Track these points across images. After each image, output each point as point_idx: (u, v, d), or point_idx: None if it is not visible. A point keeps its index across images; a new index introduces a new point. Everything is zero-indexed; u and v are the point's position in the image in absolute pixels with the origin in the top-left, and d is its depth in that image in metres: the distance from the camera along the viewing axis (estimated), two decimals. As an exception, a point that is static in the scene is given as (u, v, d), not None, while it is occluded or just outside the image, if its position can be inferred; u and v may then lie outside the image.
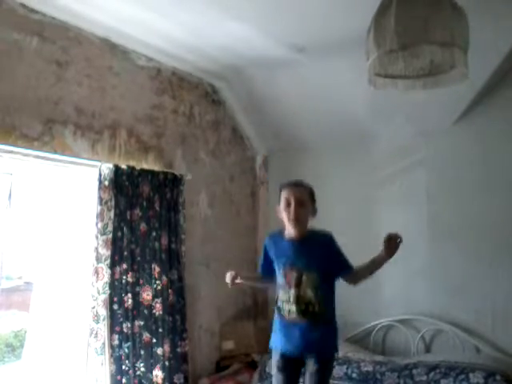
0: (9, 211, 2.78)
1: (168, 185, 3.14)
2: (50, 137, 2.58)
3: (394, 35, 1.85)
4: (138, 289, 2.90)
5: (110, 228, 2.76)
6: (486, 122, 3.30)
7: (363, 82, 2.30)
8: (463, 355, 3.08)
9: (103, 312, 2.71)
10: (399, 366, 2.99)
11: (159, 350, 2.95)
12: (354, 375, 3.03)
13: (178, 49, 3.17)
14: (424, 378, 2.86)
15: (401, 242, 2.22)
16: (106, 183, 2.77)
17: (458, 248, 3.34)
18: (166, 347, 2.98)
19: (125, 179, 2.86)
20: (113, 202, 2.79)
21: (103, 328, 2.71)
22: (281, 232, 2.36)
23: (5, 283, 3.31)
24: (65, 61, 2.69)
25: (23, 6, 2.49)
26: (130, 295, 2.83)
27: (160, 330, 2.96)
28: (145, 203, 2.98)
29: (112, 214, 2.78)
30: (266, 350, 3.35)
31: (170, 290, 3.05)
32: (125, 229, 2.84)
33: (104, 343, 2.71)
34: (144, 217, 2.96)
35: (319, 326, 2.23)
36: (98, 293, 2.70)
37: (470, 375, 2.75)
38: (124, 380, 2.77)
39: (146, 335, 2.90)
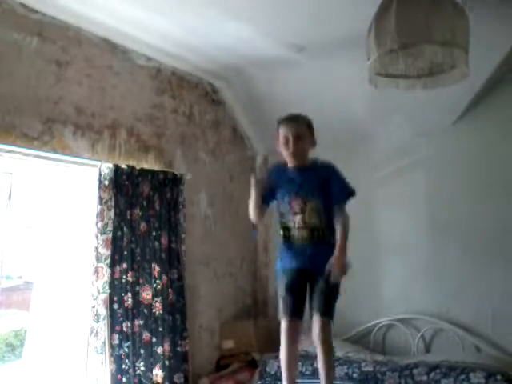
0: (9, 211, 2.78)
1: (168, 184, 3.14)
2: (49, 136, 2.58)
3: (394, 35, 1.86)
4: (138, 288, 2.90)
5: (110, 227, 2.76)
6: (485, 122, 3.30)
7: (363, 82, 2.31)
8: (463, 354, 3.09)
9: (103, 311, 2.71)
10: (400, 366, 2.99)
11: (159, 349, 2.95)
12: (355, 375, 3.03)
13: (178, 48, 3.17)
14: (424, 377, 2.86)
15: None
16: (106, 183, 2.77)
17: (457, 247, 3.35)
18: (166, 346, 2.98)
19: (125, 179, 2.86)
20: (113, 202, 2.79)
21: (103, 327, 2.71)
22: (284, 163, 2.40)
23: (5, 282, 3.30)
24: (65, 61, 2.69)
25: (23, 5, 2.48)
26: (130, 294, 2.83)
27: (160, 330, 2.96)
28: (145, 203, 2.98)
29: (112, 213, 2.78)
30: (266, 349, 3.36)
31: (169, 290, 3.05)
32: (125, 228, 2.84)
33: (104, 342, 2.71)
34: (144, 216, 2.96)
35: (324, 249, 2.27)
36: (98, 292, 2.70)
37: (471, 375, 2.75)
38: (124, 379, 2.77)
39: (146, 334, 2.90)
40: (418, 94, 2.48)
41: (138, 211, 2.93)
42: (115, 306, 2.78)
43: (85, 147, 2.77)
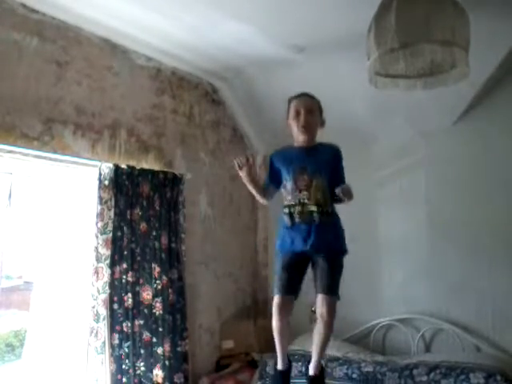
0: (9, 211, 2.77)
1: (168, 184, 3.14)
2: (49, 136, 2.58)
3: (394, 34, 1.86)
4: (138, 288, 2.90)
5: (110, 227, 2.77)
6: (485, 122, 3.30)
7: (363, 82, 2.31)
8: (463, 354, 3.09)
9: (103, 311, 2.71)
10: (400, 366, 2.99)
11: (159, 350, 2.95)
12: (355, 376, 3.03)
13: (178, 49, 3.17)
14: (424, 378, 2.86)
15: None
16: (106, 183, 2.78)
17: (457, 247, 3.35)
18: (166, 346, 2.98)
19: (125, 179, 2.86)
20: (113, 202, 2.79)
21: (103, 327, 2.71)
22: (289, 145, 2.44)
23: (5, 282, 3.30)
24: (65, 61, 2.69)
25: (23, 5, 2.49)
26: (130, 295, 2.84)
27: (160, 330, 2.96)
28: (145, 203, 2.98)
29: (112, 213, 2.78)
30: (266, 349, 3.36)
31: (170, 290, 3.05)
32: (125, 228, 2.85)
33: (104, 342, 2.71)
34: (144, 216, 2.96)
35: (328, 226, 2.29)
36: (98, 292, 2.70)
37: (471, 375, 2.75)
38: (124, 379, 2.77)
39: (146, 334, 2.90)
40: (419, 94, 2.48)
41: (138, 211, 2.93)
42: (115, 306, 2.78)
43: (85, 147, 2.77)
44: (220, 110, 3.89)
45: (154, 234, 3.01)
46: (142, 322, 2.89)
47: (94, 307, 2.68)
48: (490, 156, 3.30)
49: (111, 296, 2.76)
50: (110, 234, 2.76)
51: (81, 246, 2.84)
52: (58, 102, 2.65)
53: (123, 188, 2.85)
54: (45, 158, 2.57)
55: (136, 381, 2.83)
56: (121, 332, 2.78)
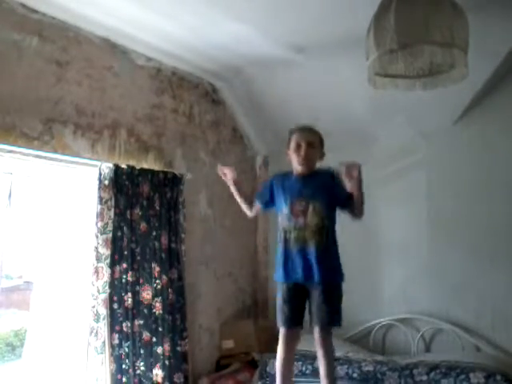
0: (9, 211, 2.78)
1: (168, 184, 3.14)
2: (50, 136, 2.58)
3: (393, 35, 1.86)
4: (137, 288, 2.90)
5: (110, 227, 2.77)
6: (485, 122, 3.30)
7: (363, 82, 2.31)
8: (463, 354, 3.09)
9: (103, 311, 2.71)
10: (400, 366, 2.99)
11: (159, 349, 2.95)
12: (355, 375, 3.03)
13: (178, 49, 3.17)
14: (424, 377, 2.86)
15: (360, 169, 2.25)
16: (106, 182, 2.78)
17: (457, 247, 3.35)
18: (166, 346, 2.98)
19: (125, 179, 2.87)
20: (113, 202, 2.79)
21: (103, 327, 2.71)
22: (289, 172, 2.46)
23: (5, 282, 3.30)
24: (65, 61, 2.69)
25: (23, 5, 2.49)
26: (129, 294, 2.84)
27: (160, 329, 2.97)
28: (145, 202, 2.98)
29: (112, 213, 2.78)
30: (266, 349, 3.36)
31: (169, 290, 3.05)
32: (125, 228, 2.85)
33: (104, 342, 2.71)
34: (144, 216, 2.96)
35: (324, 253, 2.29)
36: (98, 292, 2.70)
37: (471, 375, 2.76)
38: (124, 379, 2.77)
39: (146, 334, 2.90)
40: (419, 94, 2.48)
41: (138, 211, 2.93)
42: (115, 305, 2.78)
43: (85, 147, 2.77)
44: (220, 110, 3.89)
45: (154, 233, 3.01)
46: (141, 321, 2.89)
47: (93, 307, 2.68)
48: (491, 156, 3.30)
49: (111, 296, 2.76)
50: (110, 234, 2.76)
51: (81, 246, 2.84)
52: (58, 102, 2.65)
53: (123, 188, 2.85)
54: (45, 157, 2.57)
55: (136, 380, 2.84)
56: (121, 332, 2.79)
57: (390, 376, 2.95)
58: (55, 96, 2.63)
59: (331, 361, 2.32)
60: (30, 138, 2.49)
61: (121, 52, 3.04)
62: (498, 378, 2.71)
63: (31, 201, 2.99)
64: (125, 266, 2.83)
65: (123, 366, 2.78)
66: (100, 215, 2.73)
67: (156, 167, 3.16)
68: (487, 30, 2.51)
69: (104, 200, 2.75)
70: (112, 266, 2.76)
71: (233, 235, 3.94)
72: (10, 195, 2.74)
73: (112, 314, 2.77)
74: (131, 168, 2.92)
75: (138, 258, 2.92)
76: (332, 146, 3.83)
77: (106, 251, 2.74)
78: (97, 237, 2.72)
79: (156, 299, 2.97)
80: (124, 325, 2.80)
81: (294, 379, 2.46)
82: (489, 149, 3.31)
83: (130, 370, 2.81)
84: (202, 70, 3.53)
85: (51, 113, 2.60)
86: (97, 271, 2.71)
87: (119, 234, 2.82)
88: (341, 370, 3.05)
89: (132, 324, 2.83)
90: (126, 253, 2.84)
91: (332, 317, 2.30)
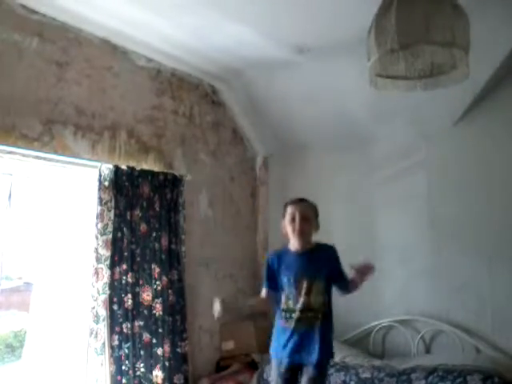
0: (9, 211, 2.77)
1: (168, 185, 3.14)
2: (50, 137, 2.58)
3: (394, 35, 1.85)
4: (137, 289, 2.90)
5: (110, 228, 2.76)
6: (486, 123, 3.29)
7: (364, 83, 2.30)
8: (463, 356, 3.08)
9: (103, 312, 2.71)
10: (397, 371, 2.96)
11: (159, 351, 2.95)
12: (352, 382, 2.99)
13: (178, 50, 3.17)
14: (422, 382, 2.82)
15: (373, 271, 2.32)
16: (106, 184, 2.77)
17: (457, 249, 3.34)
18: (166, 347, 2.98)
19: (125, 180, 2.86)
20: (113, 203, 2.79)
21: (103, 328, 2.71)
22: (285, 248, 2.45)
23: (4, 283, 3.29)
24: (65, 61, 2.69)
25: (23, 6, 2.49)
26: (129, 296, 2.83)
27: (160, 331, 2.96)
28: (145, 204, 2.98)
29: (112, 214, 2.78)
30: (266, 350, 3.35)
31: (169, 291, 3.05)
32: (125, 229, 2.84)
33: (104, 343, 2.71)
34: (144, 217, 2.96)
35: (324, 332, 2.32)
36: (98, 293, 2.70)
37: (468, 378, 2.73)
38: (124, 380, 2.77)
39: (146, 335, 2.90)
40: (419, 95, 2.48)
41: (138, 212, 2.93)
42: (115, 307, 2.78)
43: (85, 148, 2.77)
44: (220, 111, 3.89)
45: (154, 235, 3.01)
46: (141, 322, 2.88)
47: (93, 308, 2.68)
48: (491, 157, 3.29)
49: (111, 297, 2.76)
50: (110, 235, 2.76)
51: (81, 247, 2.84)
52: (58, 103, 2.65)
53: (123, 189, 2.85)
54: (45, 158, 2.57)
55: (136, 382, 2.83)
56: (121, 333, 2.78)
57: (388, 381, 2.91)
58: (55, 97, 2.63)
59: None
60: (29, 138, 2.49)
61: (121, 53, 3.04)
62: (496, 380, 2.68)
63: (31, 202, 2.99)
64: (125, 267, 2.83)
65: (123, 368, 2.78)
66: (100, 216, 2.73)
67: (156, 168, 3.15)
68: (488, 30, 2.51)
69: (104, 201, 2.75)
70: (112, 267, 2.76)
71: (233, 236, 3.94)
72: (10, 196, 2.74)
73: (112, 316, 2.77)
74: (131, 169, 2.91)
75: (138, 259, 2.91)
76: (332, 147, 3.87)
77: (105, 252, 2.74)
78: (97, 238, 2.72)
79: (156, 300, 2.97)
80: (124, 326, 2.80)
81: None
82: (489, 150, 3.30)
83: (130, 372, 2.80)
84: (202, 71, 3.53)
85: (51, 113, 2.60)
86: (97, 272, 2.71)
87: (119, 235, 2.82)
88: (337, 378, 3.01)
89: (132, 325, 2.83)
90: (126, 254, 2.84)
91: None
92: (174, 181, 3.19)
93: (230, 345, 3.59)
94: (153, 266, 2.98)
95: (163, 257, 3.04)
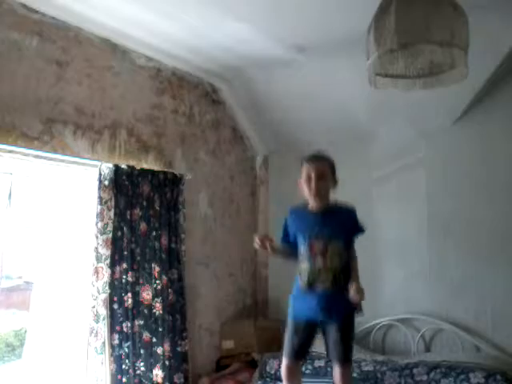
0: (9, 211, 2.78)
1: (168, 184, 3.14)
2: (50, 136, 2.58)
3: (394, 34, 1.85)
4: (137, 288, 2.90)
5: (110, 228, 2.77)
6: (485, 122, 3.30)
7: (363, 82, 2.30)
8: (463, 354, 3.09)
9: (103, 311, 2.71)
10: (400, 366, 2.99)
11: (159, 350, 2.95)
12: (355, 375, 3.02)
13: (178, 49, 3.17)
14: (424, 377, 2.86)
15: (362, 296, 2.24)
16: (106, 183, 2.78)
17: (457, 247, 3.35)
18: (166, 346, 2.98)
19: (125, 179, 2.87)
20: (113, 202, 2.79)
21: (103, 327, 2.71)
22: (304, 206, 2.40)
23: (5, 282, 3.30)
24: (65, 61, 2.69)
25: (23, 5, 2.49)
26: (130, 295, 2.84)
27: (160, 330, 2.96)
28: (145, 203, 2.98)
29: (112, 213, 2.78)
30: (266, 349, 3.36)
31: (169, 290, 3.05)
32: (125, 228, 2.85)
33: (104, 342, 2.71)
34: (144, 216, 2.96)
35: (342, 292, 2.26)
36: (98, 292, 2.70)
37: (470, 375, 2.76)
38: (124, 379, 2.77)
39: (146, 334, 2.90)
40: (418, 94, 2.48)
41: (137, 211, 2.93)
42: (115, 306, 2.78)
43: (85, 147, 2.77)
44: (220, 110, 3.89)
45: (154, 234, 3.01)
46: (141, 322, 2.89)
47: (93, 307, 2.68)
48: (490, 156, 3.30)
49: (111, 296, 2.76)
50: (110, 234, 2.76)
51: (81, 246, 2.84)
52: (58, 102, 2.65)
53: (123, 188, 2.85)
54: (45, 157, 2.57)
55: (136, 381, 2.83)
56: (121, 332, 2.79)
57: (390, 376, 2.95)
58: (55, 96, 2.63)
59: None
60: (29, 137, 2.49)
61: (121, 52, 3.04)
62: (498, 377, 2.71)
63: (31, 201, 2.99)
64: (125, 266, 2.83)
65: (123, 367, 2.78)
66: (100, 215, 2.73)
67: (156, 167, 3.16)
68: (487, 30, 2.51)
69: (104, 200, 2.75)
70: (112, 266, 2.76)
71: (233, 235, 3.94)
72: (9, 195, 2.74)
73: (112, 315, 2.77)
74: (131, 168, 2.92)
75: (138, 258, 2.92)
76: (332, 145, 3.86)
77: (106, 251, 2.74)
78: (97, 237, 2.72)
79: (156, 299, 2.97)
80: (124, 325, 2.80)
81: None
82: (488, 148, 3.31)
83: (130, 371, 2.81)
84: (202, 70, 3.53)
85: (51, 113, 2.60)
86: (97, 271, 2.71)
87: (119, 234, 2.82)
88: (341, 370, 3.05)
89: (132, 324, 2.83)
90: (125, 253, 2.84)
91: (349, 354, 2.34)
92: (174, 180, 3.19)
93: (229, 344, 3.60)
94: (153, 265, 2.98)
95: (163, 256, 3.04)
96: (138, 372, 2.85)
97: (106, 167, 2.79)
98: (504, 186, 3.22)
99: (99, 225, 2.72)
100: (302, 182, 2.36)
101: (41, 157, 2.55)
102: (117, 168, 2.83)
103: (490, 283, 3.21)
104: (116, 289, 2.78)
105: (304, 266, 2.31)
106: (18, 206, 2.85)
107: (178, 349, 3.06)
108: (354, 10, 2.47)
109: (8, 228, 2.84)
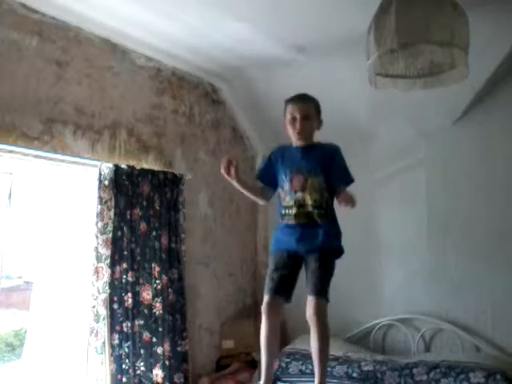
0: (9, 211, 2.78)
1: (168, 184, 3.14)
2: (50, 136, 2.58)
3: (394, 34, 1.86)
4: (138, 288, 2.90)
5: (110, 227, 2.76)
6: (485, 122, 3.30)
7: (363, 82, 2.31)
8: (463, 354, 3.09)
9: (103, 311, 2.71)
10: (400, 366, 2.99)
11: (159, 350, 2.95)
12: (355, 375, 3.03)
13: (178, 49, 3.17)
14: (424, 377, 2.86)
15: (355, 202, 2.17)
16: (106, 183, 2.78)
17: (457, 247, 3.35)
18: (166, 346, 2.98)
19: (125, 179, 2.86)
20: (113, 202, 2.79)
21: (103, 327, 2.71)
22: (289, 144, 2.41)
23: (5, 282, 3.31)
24: (65, 61, 2.69)
25: (23, 5, 2.48)
26: (130, 294, 2.83)
27: (160, 330, 2.96)
28: (145, 203, 2.98)
29: (112, 213, 2.78)
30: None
31: (170, 290, 3.05)
32: (125, 228, 2.85)
33: (104, 342, 2.71)
34: (144, 216, 2.96)
35: (323, 226, 2.25)
36: (98, 292, 2.70)
37: (470, 375, 2.76)
38: (124, 379, 2.77)
39: (146, 334, 2.90)
40: (419, 94, 2.48)
41: (138, 211, 2.93)
42: (115, 306, 2.78)
43: (85, 147, 2.77)
44: (220, 110, 3.89)
45: (154, 234, 3.01)
46: (141, 321, 2.88)
47: (94, 307, 2.68)
48: (490, 156, 3.30)
49: (111, 296, 2.76)
50: (110, 234, 2.76)
51: (81, 246, 2.84)
52: (58, 102, 2.65)
53: (123, 188, 2.85)
54: (45, 157, 2.57)
55: (136, 381, 2.83)
56: (121, 332, 2.79)
57: (390, 375, 2.95)
58: (55, 96, 2.63)
59: (325, 333, 2.19)
60: (29, 137, 2.49)
61: (121, 52, 3.03)
62: (498, 377, 2.71)
63: (31, 201, 2.99)
64: (125, 266, 2.83)
65: (123, 366, 2.78)
66: (100, 215, 2.73)
67: (156, 167, 3.15)
68: (487, 30, 2.51)
69: (104, 200, 2.75)
70: (112, 266, 2.76)
71: (233, 235, 3.94)
72: (9, 195, 2.74)
73: (112, 315, 2.77)
74: (131, 168, 2.92)
75: (138, 258, 2.92)
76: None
77: (106, 251, 2.74)
78: (97, 237, 2.72)
79: (156, 299, 2.97)
80: (124, 325, 2.80)
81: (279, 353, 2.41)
82: (489, 149, 3.31)
83: (130, 370, 2.81)
84: (202, 70, 3.53)
85: (51, 113, 2.60)
86: (97, 271, 2.71)
87: (119, 234, 2.82)
88: (340, 370, 3.06)
89: (132, 324, 2.83)
90: (126, 253, 2.84)
91: (325, 286, 2.21)
92: (174, 180, 3.19)
93: (229, 344, 3.60)
94: (153, 265, 2.98)
95: (163, 256, 3.04)
96: (138, 372, 2.85)
97: (106, 167, 2.79)
98: (504, 185, 3.23)
99: (99, 225, 2.72)
100: (286, 123, 2.35)
101: (41, 157, 2.54)
102: (117, 168, 2.83)
103: (490, 283, 3.21)
104: (116, 289, 2.78)
105: (286, 201, 2.30)
106: (18, 206, 2.85)
107: (178, 349, 3.06)
108: (354, 9, 2.47)
109: (8, 228, 2.84)
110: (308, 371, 3.12)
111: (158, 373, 2.93)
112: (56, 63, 2.64)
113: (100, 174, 2.76)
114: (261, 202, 2.51)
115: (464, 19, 1.89)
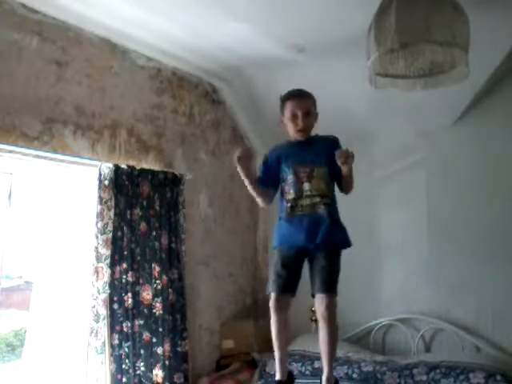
0: (9, 211, 2.78)
1: (168, 184, 3.14)
2: (49, 136, 2.58)
3: (394, 34, 1.86)
4: (138, 288, 2.90)
5: (110, 227, 2.76)
6: (485, 122, 3.30)
7: (363, 82, 2.31)
8: (463, 354, 3.09)
9: (103, 311, 2.71)
10: (400, 366, 2.99)
11: (159, 350, 2.95)
12: (355, 375, 3.03)
13: (179, 49, 3.17)
14: (424, 377, 2.86)
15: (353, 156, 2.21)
16: (106, 183, 2.77)
17: (457, 247, 3.35)
18: (166, 346, 2.98)
19: (125, 179, 2.86)
20: (113, 202, 2.79)
21: (103, 327, 2.71)
22: (284, 143, 2.42)
23: (5, 282, 3.30)
24: (65, 61, 2.69)
25: (23, 5, 2.48)
26: (130, 294, 2.83)
27: (160, 330, 2.96)
28: (145, 203, 2.98)
29: (112, 213, 2.78)
30: (266, 349, 3.35)
31: (170, 290, 3.05)
32: (125, 228, 2.84)
33: (104, 342, 2.71)
34: (144, 216, 2.96)
35: (330, 219, 2.23)
36: (98, 292, 2.70)
37: (471, 375, 2.76)
38: (124, 379, 2.77)
39: (146, 334, 2.90)
40: (419, 94, 2.48)
41: (138, 211, 2.93)
42: (115, 306, 2.78)
43: (85, 147, 2.77)
44: (220, 110, 3.89)
45: (154, 234, 3.01)
46: (141, 321, 2.88)
47: (93, 307, 2.68)
48: (491, 156, 3.30)
49: (111, 296, 2.76)
50: (110, 234, 2.76)
51: (81, 246, 2.84)
52: (58, 102, 2.65)
53: (123, 188, 2.85)
54: (45, 157, 2.57)
55: (136, 381, 2.83)
56: (121, 332, 2.78)
57: (390, 376, 2.95)
58: (55, 96, 2.63)
59: (336, 331, 2.22)
60: (29, 137, 2.49)
61: (121, 52, 3.04)
62: (498, 378, 2.71)
63: (31, 201, 2.99)
64: (125, 266, 2.83)
65: (123, 366, 2.78)
66: (100, 215, 2.73)
67: (156, 167, 3.15)
68: (488, 30, 2.51)
69: (104, 200, 2.75)
70: (112, 266, 2.76)
71: (233, 235, 3.94)
72: (9, 195, 2.74)
73: (112, 315, 2.77)
74: (131, 168, 2.91)
75: (138, 258, 2.92)
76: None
77: (106, 251, 2.74)
78: (97, 237, 2.72)
79: (156, 299, 2.97)
80: (124, 325, 2.80)
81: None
82: (489, 149, 3.31)
83: (130, 370, 2.81)
84: (202, 70, 3.53)
85: (51, 113, 2.60)
86: (97, 271, 2.71)
87: (119, 234, 2.82)
88: (340, 371, 3.05)
89: (132, 324, 2.83)
90: (126, 253, 2.84)
91: (335, 283, 2.21)
92: (174, 180, 3.19)
93: (229, 343, 3.60)
94: (153, 265, 2.98)
95: (163, 256, 3.04)
96: (138, 372, 2.85)
97: (106, 167, 2.79)
98: (504, 185, 3.23)
99: (99, 225, 2.72)
100: (285, 121, 2.34)
101: (41, 157, 2.54)
102: (117, 168, 2.83)
103: (490, 283, 3.21)
104: (116, 289, 2.78)
105: (291, 193, 2.28)
106: (18, 206, 2.85)
107: (178, 349, 3.06)
108: (355, 9, 2.47)
109: (8, 228, 2.84)
110: (307, 372, 3.12)
111: (157, 373, 2.93)
112: (56, 63, 2.64)
113: (100, 174, 2.76)
114: (262, 203, 2.48)
115: (464, 19, 1.89)
